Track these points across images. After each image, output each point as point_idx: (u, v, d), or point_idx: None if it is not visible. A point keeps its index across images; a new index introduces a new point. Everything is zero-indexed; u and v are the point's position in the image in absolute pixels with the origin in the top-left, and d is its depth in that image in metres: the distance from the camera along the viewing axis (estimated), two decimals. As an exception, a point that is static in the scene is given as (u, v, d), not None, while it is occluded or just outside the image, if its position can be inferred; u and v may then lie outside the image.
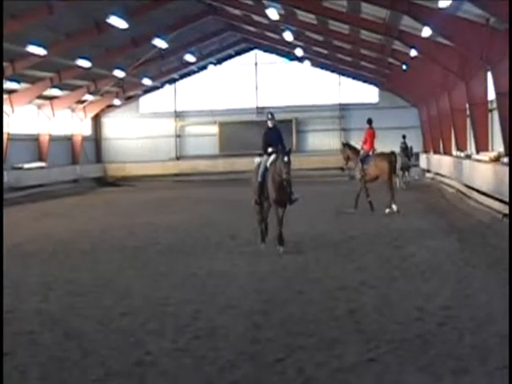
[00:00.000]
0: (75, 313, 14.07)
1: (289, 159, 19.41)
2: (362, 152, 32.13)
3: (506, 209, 25.28)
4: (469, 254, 19.72)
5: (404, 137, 52.73)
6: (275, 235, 20.92)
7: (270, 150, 20.50)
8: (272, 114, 21.12)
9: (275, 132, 20.86)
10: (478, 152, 39.56)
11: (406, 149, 51.39)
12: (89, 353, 11.28)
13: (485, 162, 33.65)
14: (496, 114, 34.31)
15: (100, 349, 11.51)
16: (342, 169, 32.79)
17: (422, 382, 9.45)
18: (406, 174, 49.84)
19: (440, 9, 30.89)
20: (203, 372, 10.15)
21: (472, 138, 41.98)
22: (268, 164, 20.36)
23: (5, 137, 50.27)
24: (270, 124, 20.90)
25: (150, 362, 10.73)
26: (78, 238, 25.97)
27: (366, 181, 31.78)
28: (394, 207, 30.65)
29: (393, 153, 33.48)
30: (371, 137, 32.54)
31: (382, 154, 32.96)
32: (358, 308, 13.61)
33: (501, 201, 26.66)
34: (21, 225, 31.57)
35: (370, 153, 32.18)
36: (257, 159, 21.84)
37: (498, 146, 35.70)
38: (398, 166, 41.68)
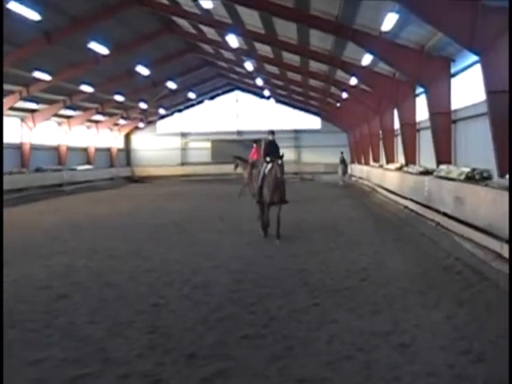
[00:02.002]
0: (112, 270, 14.07)
1: (282, 162, 18.20)
2: (250, 160, 32.88)
3: (406, 202, 25.39)
4: (381, 232, 19.80)
5: (342, 152, 53.82)
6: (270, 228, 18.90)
7: (268, 159, 19.13)
8: (273, 132, 19.99)
9: (274, 145, 19.53)
10: (387, 163, 39.77)
11: (343, 160, 52.42)
12: (121, 297, 11.36)
13: (391, 170, 33.81)
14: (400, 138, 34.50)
15: (129, 294, 11.58)
16: (295, 173, 32.71)
17: (350, 319, 9.53)
18: (345, 176, 51.72)
19: (363, 67, 31.12)
20: (200, 311, 10.26)
21: (383, 153, 42.20)
22: (266, 171, 18.92)
23: (64, 148, 50.72)
24: (270, 137, 19.72)
25: (163, 303, 10.83)
26: (113, 217, 25.92)
27: (252, 180, 31.75)
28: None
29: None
30: (258, 151, 33.71)
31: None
32: (306, 269, 13.63)
33: (402, 196, 26.80)
34: (75, 207, 31.48)
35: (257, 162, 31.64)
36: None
37: (401, 159, 35.87)
38: (341, 170, 50.34)
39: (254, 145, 36.00)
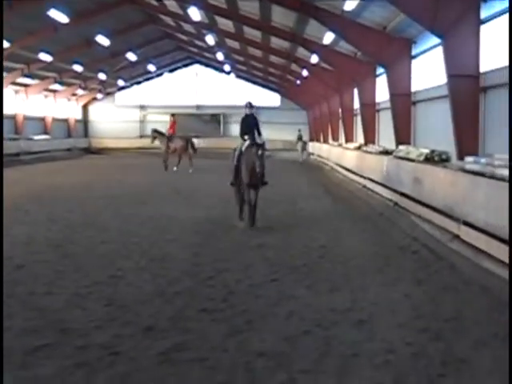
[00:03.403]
0: (70, 240, 13.97)
1: (263, 152, 15.60)
2: (167, 134, 36.88)
3: (365, 181, 25.52)
4: (339, 210, 19.89)
5: (299, 130, 55.35)
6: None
7: (246, 137, 16.47)
8: (250, 104, 17.22)
9: (252, 119, 16.93)
10: (346, 142, 39.96)
11: (301, 137, 53.26)
12: (79, 268, 11.28)
13: (350, 149, 33.96)
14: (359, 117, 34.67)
15: (87, 265, 11.50)
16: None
17: (308, 295, 9.54)
18: (303, 154, 52.09)
19: (324, 45, 31.12)
20: (158, 283, 10.23)
21: (343, 132, 42.41)
22: (243, 148, 16.23)
23: (21, 117, 50.11)
24: (247, 111, 16.97)
25: (121, 276, 10.77)
26: (71, 188, 25.69)
27: (169, 152, 36.21)
28: (190, 170, 35.07)
29: (188, 137, 38.38)
30: (174, 125, 37.48)
31: (181, 136, 37.58)
32: (265, 243, 13.65)
33: (361, 176, 26.93)
34: (33, 178, 31.14)
35: (173, 135, 36.85)
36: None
37: (360, 138, 36.08)
38: (300, 147, 51.97)
39: (171, 118, 38.22)
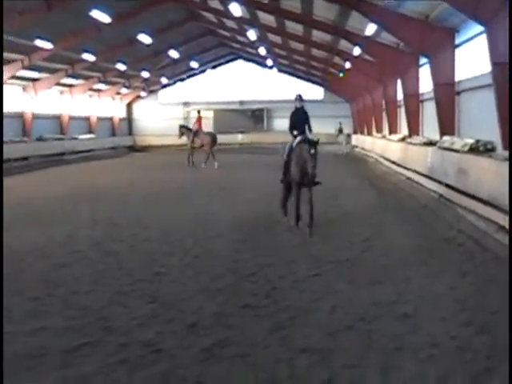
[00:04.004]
0: (113, 239, 14.09)
1: (315, 151, 14.06)
2: (194, 129, 37.28)
3: (409, 173, 25.32)
4: (383, 203, 19.74)
5: (340, 123, 56.76)
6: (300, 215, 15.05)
7: (295, 132, 15.37)
8: (300, 96, 16.00)
9: (302, 113, 15.68)
10: (390, 134, 39.66)
11: (341, 130, 55.28)
12: (122, 266, 11.38)
13: (394, 140, 33.71)
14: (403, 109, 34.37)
15: (129, 263, 11.60)
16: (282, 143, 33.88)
17: (350, 290, 9.51)
18: (347, 145, 53.54)
19: (367, 37, 30.89)
20: (201, 280, 10.26)
21: (387, 124, 42.10)
22: (294, 144, 15.05)
23: (66, 117, 50.68)
24: (297, 105, 15.79)
25: (164, 273, 10.86)
26: (115, 186, 25.85)
27: (194, 147, 36.78)
28: (216, 164, 35.17)
29: (214, 133, 39.00)
30: (200, 121, 37.73)
31: (208, 132, 38.23)
32: (308, 240, 13.59)
33: (405, 167, 26.72)
34: (78, 177, 31.44)
35: (199, 130, 37.08)
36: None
37: (404, 130, 35.78)
38: (343, 140, 53.99)
39: (198, 114, 38.52)
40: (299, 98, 15.96)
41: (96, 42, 41.28)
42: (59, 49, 38.33)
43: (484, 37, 19.50)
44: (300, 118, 15.67)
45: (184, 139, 38.21)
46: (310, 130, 15.64)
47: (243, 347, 7.13)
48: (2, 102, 34.84)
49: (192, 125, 38.38)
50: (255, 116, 68.17)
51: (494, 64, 18.41)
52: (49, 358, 6.89)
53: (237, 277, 10.48)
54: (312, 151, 14.00)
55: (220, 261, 11.76)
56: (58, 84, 47.75)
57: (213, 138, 36.85)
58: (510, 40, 15.61)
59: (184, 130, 38.07)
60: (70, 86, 50.88)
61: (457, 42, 25.54)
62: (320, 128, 62.26)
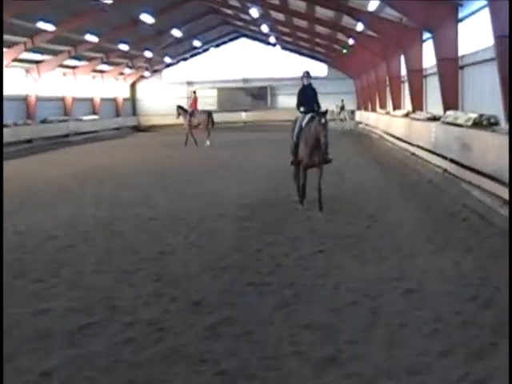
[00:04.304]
0: (118, 219, 14.14)
1: (326, 121, 13.73)
2: (189, 110, 37.76)
3: (413, 149, 25.27)
4: (387, 179, 19.73)
5: (342, 100, 56.36)
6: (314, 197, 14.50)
7: (302, 108, 15.00)
8: (308, 73, 15.34)
9: (310, 90, 15.15)
10: (394, 109, 39.57)
11: (343, 107, 55.41)
12: (128, 246, 11.43)
13: (398, 116, 33.65)
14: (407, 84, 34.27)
15: (135, 242, 11.65)
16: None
17: (355, 266, 9.51)
18: (351, 122, 54.41)
19: (370, 12, 30.72)
20: (206, 258, 10.29)
21: (390, 100, 41.98)
22: (303, 124, 14.67)
23: (69, 99, 50.70)
24: (305, 81, 15.20)
25: (170, 251, 10.91)
26: (119, 167, 25.90)
27: (191, 127, 36.85)
28: (208, 142, 35.67)
29: (210, 111, 38.90)
30: (195, 101, 38.17)
31: (204, 111, 38.41)
32: (312, 216, 13.58)
33: (409, 143, 26.67)
34: (83, 158, 31.50)
35: (195, 110, 37.48)
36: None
37: (408, 105, 35.65)
38: (345, 116, 54.86)
39: (193, 94, 39.11)
40: (307, 74, 15.33)
41: (98, 23, 41.14)
42: (62, 30, 38.21)
43: (487, 10, 19.37)
44: (308, 95, 15.14)
45: (182, 119, 38.60)
46: (319, 107, 14.98)
47: (247, 325, 7.13)
48: (1, 101, 34.82)
49: (188, 105, 39.12)
50: (254, 95, 67.96)
51: (497, 38, 18.28)
52: (55, 339, 6.90)
53: (241, 255, 10.51)
54: (323, 120, 13.66)
55: (225, 239, 11.77)
56: (62, 66, 47.64)
57: (209, 115, 37.35)
58: (510, 14, 15.47)
59: (181, 110, 38.50)
60: (74, 67, 50.73)
61: (460, 16, 25.38)
62: (325, 105, 62.13)
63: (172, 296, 8.29)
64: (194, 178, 21.31)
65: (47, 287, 8.83)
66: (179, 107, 38.98)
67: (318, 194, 14.11)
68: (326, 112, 14.02)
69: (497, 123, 18.27)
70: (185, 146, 36.11)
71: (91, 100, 57.30)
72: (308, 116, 14.67)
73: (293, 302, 7.93)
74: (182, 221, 13.69)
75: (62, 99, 50.37)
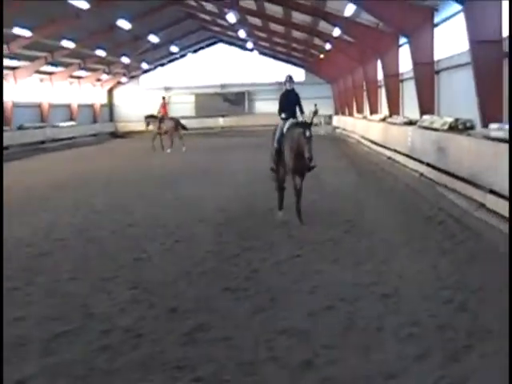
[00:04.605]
0: (95, 225, 14.05)
1: (310, 134, 12.91)
2: (159, 115, 37.96)
3: (390, 153, 25.39)
4: (364, 184, 19.78)
5: (315, 105, 55.55)
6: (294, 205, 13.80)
7: (283, 115, 14.19)
8: (291, 77, 14.70)
9: (293, 95, 14.51)
10: (371, 114, 39.74)
11: (316, 112, 54.47)
12: (104, 252, 11.39)
13: (375, 121, 33.81)
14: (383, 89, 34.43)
15: (112, 249, 11.60)
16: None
17: (332, 270, 9.53)
18: (326, 126, 54.53)
19: (346, 17, 30.85)
20: (183, 264, 10.27)
21: (367, 104, 42.16)
22: (285, 129, 13.84)
23: (46, 105, 50.44)
24: (288, 86, 14.53)
25: (146, 258, 10.88)
26: (96, 173, 25.76)
27: (160, 133, 37.27)
28: (184, 148, 35.89)
29: (177, 118, 39.29)
30: (164, 107, 39.00)
31: (172, 118, 38.84)
32: (290, 220, 13.53)
33: (386, 147, 26.80)
34: (60, 165, 31.34)
35: (164, 116, 38.00)
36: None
37: (385, 110, 35.80)
38: (323, 122, 54.47)
39: (162, 99, 39.59)
40: (289, 79, 14.70)
41: (75, 28, 40.95)
42: (38, 36, 38.02)
43: (462, 16, 19.50)
44: (290, 101, 14.53)
45: (152, 127, 38.86)
46: (302, 112, 14.72)
47: (224, 330, 7.12)
48: (1, 101, 34.67)
49: (157, 111, 38.85)
50: (231, 100, 67.93)
51: (472, 42, 18.43)
52: (30, 347, 6.85)
53: (218, 260, 10.49)
54: (307, 134, 12.85)
55: (202, 244, 11.75)
56: (38, 72, 47.34)
57: (176, 122, 37.70)
58: (510, 14, 15.45)
59: (150, 119, 38.73)
60: (50, 73, 50.39)
61: (436, 21, 25.55)
62: (302, 110, 62.69)
63: (148, 303, 8.27)
64: (172, 183, 21.24)
65: (23, 295, 8.77)
66: (148, 116, 39.24)
67: (297, 201, 13.57)
68: (311, 123, 13.50)
69: (472, 127, 18.42)
70: (153, 151, 36.45)
71: (68, 106, 56.98)
72: (290, 122, 13.96)
73: (269, 307, 7.93)
74: (160, 227, 13.65)
75: (39, 105, 50.04)
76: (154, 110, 41.25)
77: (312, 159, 13.08)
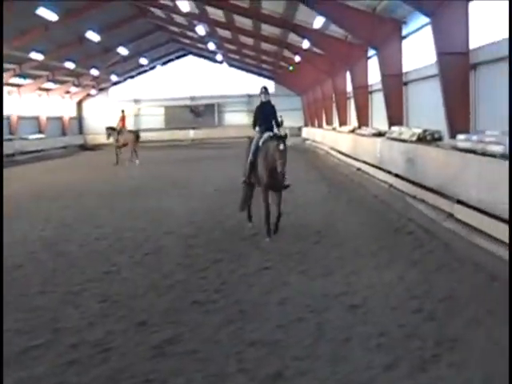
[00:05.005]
0: (64, 238, 13.97)
1: (285, 147, 12.30)
2: (118, 128, 37.87)
3: (359, 164, 25.50)
4: (334, 195, 19.85)
5: (281, 116, 54.21)
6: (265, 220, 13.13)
7: (257, 129, 13.77)
8: (266, 89, 14.15)
9: (269, 107, 13.93)
10: (340, 125, 39.90)
11: (281, 123, 53.44)
12: (73, 266, 11.32)
13: (344, 132, 33.97)
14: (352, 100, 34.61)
15: (81, 263, 11.53)
16: (248, 137, 33.51)
17: (301, 282, 9.57)
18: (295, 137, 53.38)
19: (315, 30, 31.01)
20: (152, 277, 10.26)
21: (337, 116, 42.33)
22: (260, 143, 13.19)
23: (15, 118, 49.95)
24: (263, 98, 13.94)
25: (115, 271, 10.84)
26: (66, 186, 25.59)
27: (119, 146, 37.27)
28: (137, 161, 35.98)
29: (137, 130, 40.50)
30: (123, 120, 38.57)
31: (130, 131, 39.19)
32: (258, 233, 13.54)
33: (355, 159, 26.92)
34: (29, 177, 31.10)
35: (123, 129, 37.90)
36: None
37: (354, 121, 35.96)
38: (288, 132, 49.00)
39: (122, 113, 39.13)
40: (265, 90, 14.12)
41: (44, 40, 40.74)
42: (6, 48, 37.68)
43: (429, 28, 19.68)
44: (266, 113, 13.94)
45: (111, 140, 38.82)
46: (278, 126, 14.13)
47: (192, 343, 7.13)
48: (1, 102, 34.41)
49: (116, 124, 38.80)
50: (199, 112, 67.89)
51: (440, 54, 18.61)
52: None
53: (187, 273, 10.47)
54: (281, 147, 12.24)
55: (171, 257, 11.75)
56: (6, 84, 46.88)
57: (135, 135, 37.81)
58: (509, 14, 15.49)
59: (110, 130, 38.56)
60: (19, 85, 50.04)
61: (404, 33, 25.77)
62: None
63: (117, 316, 8.24)
64: (141, 195, 21.20)
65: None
66: (109, 128, 39.10)
67: (278, 217, 12.95)
68: (285, 136, 12.73)
69: (440, 138, 18.58)
70: (115, 164, 36.35)
71: (37, 118, 56.53)
72: (265, 135, 13.23)
73: (239, 319, 7.94)
74: (129, 239, 13.62)
75: (7, 118, 49.55)
76: (106, 125, 41.28)
77: (285, 174, 12.68)
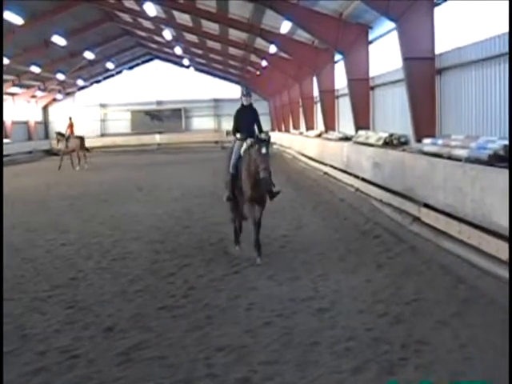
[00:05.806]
0: (30, 244, 13.87)
1: (267, 151, 11.18)
2: (66, 134, 38.76)
3: (326, 168, 25.59)
4: (301, 199, 19.90)
5: (267, 131, 54.12)
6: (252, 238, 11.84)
7: (238, 135, 12.40)
8: (248, 91, 12.88)
9: (250, 111, 12.53)
10: (307, 130, 40.01)
11: (269, 139, 53.46)
12: (39, 272, 11.24)
13: (311, 137, 34.09)
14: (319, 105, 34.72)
15: (47, 269, 11.47)
16: (216, 142, 33.48)
17: (268, 286, 9.59)
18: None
19: (282, 34, 31.11)
20: (119, 283, 10.23)
21: (304, 120, 42.43)
22: (242, 152, 12.02)
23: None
24: (244, 101, 12.56)
25: (82, 277, 10.76)
26: (32, 191, 25.41)
27: (67, 152, 38.15)
28: (86, 166, 37.16)
29: (82, 136, 39.84)
30: (71, 126, 39.48)
31: (77, 136, 39.14)
32: (225, 238, 13.55)
33: (322, 163, 27.01)
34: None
35: (71, 135, 38.65)
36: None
37: (321, 126, 36.06)
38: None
39: (69, 120, 39.99)
40: (246, 93, 12.79)
41: (9, 44, 40.34)
42: (-30, 53, 37.45)
43: (395, 33, 19.82)
44: (248, 118, 12.53)
45: (61, 146, 39.39)
46: (261, 131, 12.31)
47: (160, 349, 7.11)
48: (1, 104, 34.07)
49: (65, 131, 39.46)
50: (167, 117, 67.70)
51: (406, 59, 18.74)
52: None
53: (155, 278, 10.46)
54: (263, 150, 11.16)
55: (138, 262, 11.72)
56: (-30, 89, 46.63)
57: (81, 141, 38.40)
58: (509, 14, 15.60)
59: (59, 136, 39.17)
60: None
61: (370, 38, 25.92)
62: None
63: (84, 322, 8.20)
64: (108, 200, 21.10)
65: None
66: (58, 133, 39.67)
67: (256, 232, 11.75)
68: (268, 140, 11.52)
69: (406, 142, 18.72)
70: (58, 169, 36.93)
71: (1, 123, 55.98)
72: (247, 142, 11.86)
73: (206, 324, 7.94)
74: (95, 245, 13.54)
75: (-29, 123, 49.18)
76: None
77: (269, 183, 11.65)
